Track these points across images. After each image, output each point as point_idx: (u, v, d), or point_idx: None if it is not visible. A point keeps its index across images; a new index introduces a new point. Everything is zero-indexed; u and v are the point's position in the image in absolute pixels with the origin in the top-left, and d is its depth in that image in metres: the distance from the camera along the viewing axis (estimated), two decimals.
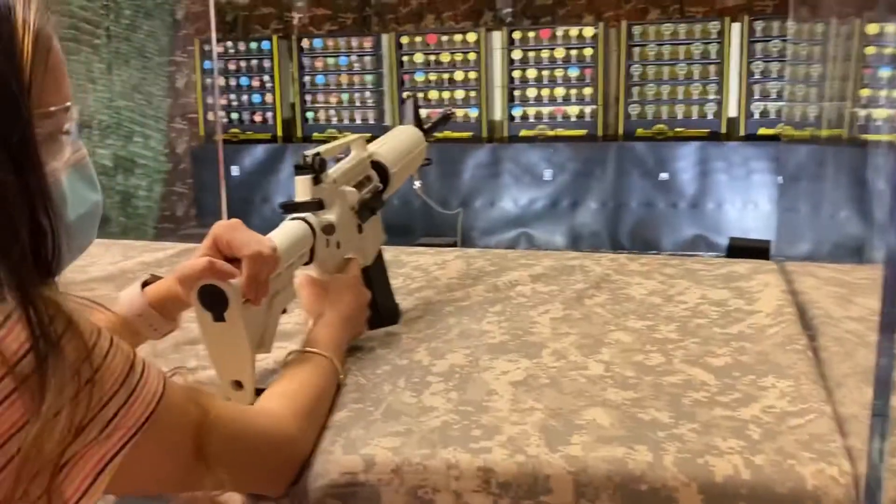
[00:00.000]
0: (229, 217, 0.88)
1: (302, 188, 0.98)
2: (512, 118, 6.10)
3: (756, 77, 5.44)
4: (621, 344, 0.98)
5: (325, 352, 0.89)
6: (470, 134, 6.13)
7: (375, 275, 1.14)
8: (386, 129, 1.32)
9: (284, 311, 0.93)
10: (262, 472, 0.74)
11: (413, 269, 1.41)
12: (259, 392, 0.85)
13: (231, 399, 0.84)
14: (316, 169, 0.98)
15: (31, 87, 0.55)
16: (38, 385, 0.51)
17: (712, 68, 5.61)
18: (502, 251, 1.54)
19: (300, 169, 0.98)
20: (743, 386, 0.83)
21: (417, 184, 1.55)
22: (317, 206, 0.98)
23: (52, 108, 0.59)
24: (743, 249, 4.14)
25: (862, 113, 4.64)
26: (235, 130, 6.39)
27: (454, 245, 5.55)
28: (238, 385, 0.84)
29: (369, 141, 1.18)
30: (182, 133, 6.54)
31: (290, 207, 0.98)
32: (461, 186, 6.05)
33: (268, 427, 0.74)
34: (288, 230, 0.94)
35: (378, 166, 1.16)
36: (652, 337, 1.00)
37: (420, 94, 6.07)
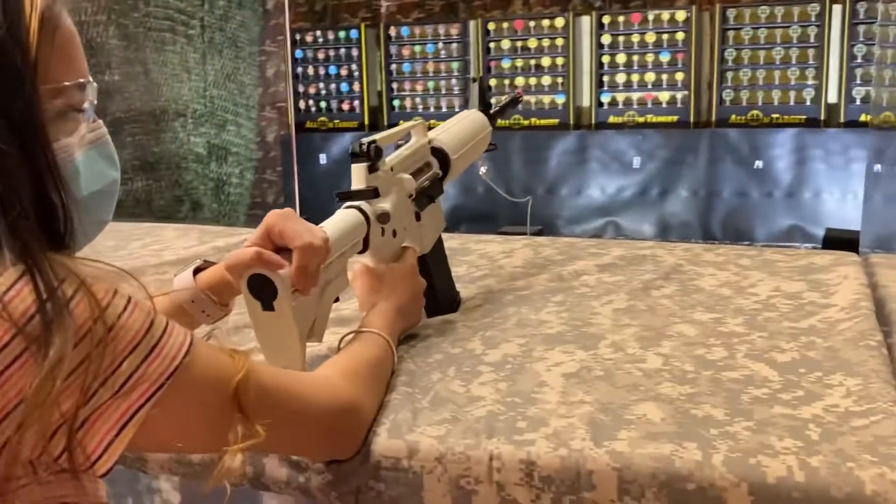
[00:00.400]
0: (303, 207, 0.89)
1: (357, 176, 0.98)
2: (601, 104, 5.99)
3: (858, 61, 5.17)
4: (684, 337, 0.94)
5: (380, 331, 0.89)
6: (556, 121, 6.05)
7: (434, 263, 1.13)
8: None
9: (337, 300, 0.93)
10: (314, 432, 0.73)
11: (479, 257, 1.40)
12: None
13: None
14: (371, 156, 0.98)
15: (38, 64, 0.57)
16: (45, 344, 0.52)
17: (811, 52, 5.36)
18: (572, 240, 1.52)
19: (356, 156, 0.98)
20: (808, 383, 0.79)
21: (483, 169, 1.54)
22: (371, 194, 0.97)
23: (64, 84, 0.61)
24: (840, 241, 3.96)
25: None
26: (323, 119, 6.50)
27: (538, 234, 5.51)
28: None
29: (431, 127, 1.17)
30: (272, 122, 6.69)
31: (345, 196, 0.98)
32: (547, 174, 5.99)
33: (314, 385, 0.74)
34: (341, 219, 0.94)
35: (438, 153, 1.15)
36: (717, 330, 0.96)
37: (506, 81, 6.04)
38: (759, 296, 1.08)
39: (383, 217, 0.98)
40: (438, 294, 1.12)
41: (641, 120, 5.86)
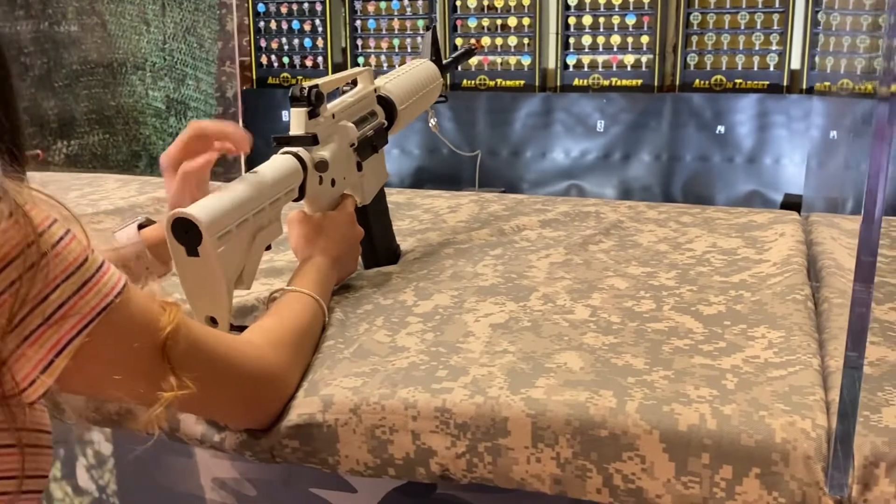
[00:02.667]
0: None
1: (296, 121, 0.96)
2: (566, 67, 5.96)
3: (821, 27, 5.19)
4: (614, 290, 0.94)
5: (311, 291, 0.87)
6: (522, 82, 6.01)
7: (375, 215, 1.11)
8: None
9: (269, 248, 0.91)
10: (234, 398, 0.72)
11: (424, 211, 1.38)
12: (236, 329, 0.85)
13: None
14: (312, 101, 0.95)
15: None
16: None
17: (776, 17, 5.37)
18: (520, 196, 1.51)
19: (295, 101, 0.95)
20: (731, 335, 0.79)
21: (433, 122, 1.52)
22: (310, 140, 0.95)
23: None
24: (796, 206, 4.01)
25: None
26: (286, 75, 6.38)
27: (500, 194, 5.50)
28: (212, 321, 0.83)
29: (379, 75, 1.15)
30: (232, 77, 6.57)
31: (282, 141, 0.95)
32: (512, 136, 5.96)
33: (241, 350, 0.72)
34: (276, 164, 0.92)
35: (385, 102, 1.13)
36: (648, 283, 0.96)
37: (472, 40, 5.98)
38: (695, 251, 1.08)
39: (321, 165, 0.96)
40: (377, 246, 1.10)
41: (606, 83, 5.83)
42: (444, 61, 1.32)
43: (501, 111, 5.88)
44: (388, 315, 0.89)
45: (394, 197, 1.47)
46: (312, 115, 0.96)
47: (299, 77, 6.37)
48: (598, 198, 5.49)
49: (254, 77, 6.54)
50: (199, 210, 0.79)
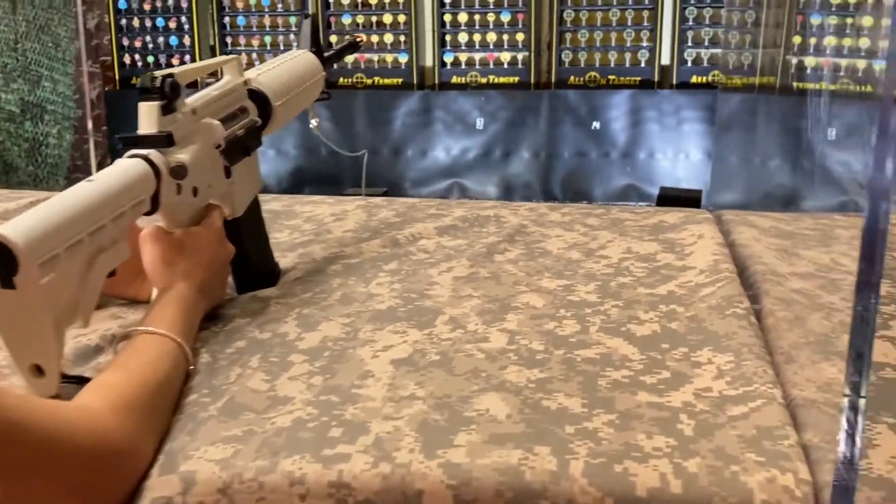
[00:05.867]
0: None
1: (147, 118, 0.78)
2: (443, 64, 5.89)
3: (689, 24, 5.32)
4: (531, 309, 0.82)
5: (170, 332, 0.70)
6: (400, 80, 5.90)
7: (248, 228, 0.95)
8: None
9: (112, 274, 0.73)
10: (62, 489, 0.54)
11: (305, 220, 1.22)
12: (74, 380, 0.67)
13: (30, 389, 0.65)
14: (167, 94, 0.78)
15: None
16: None
17: (646, 14, 5.47)
18: (411, 200, 1.37)
19: (146, 93, 0.78)
20: (673, 362, 0.68)
21: (314, 122, 1.36)
22: (164, 141, 0.78)
23: None
24: (673, 199, 4.06)
25: (794, 61, 4.57)
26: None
27: (383, 195, 5.36)
28: (38, 371, 0.65)
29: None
30: (94, 77, 6.14)
31: (129, 141, 0.78)
32: (392, 134, 5.86)
33: (72, 422, 0.55)
34: (119, 170, 0.74)
35: (258, 97, 0.96)
36: (567, 300, 0.84)
37: (347, 38, 5.81)
38: (611, 259, 0.97)
39: (179, 171, 0.79)
40: (252, 266, 0.94)
41: (484, 80, 5.80)
42: (327, 54, 1.16)
43: (380, 109, 5.76)
44: (266, 353, 0.73)
45: (269, 205, 1.30)
46: (167, 110, 0.79)
47: None
48: (482, 197, 5.45)
49: (116, 77, 6.14)
50: (15, 230, 0.61)
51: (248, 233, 0.94)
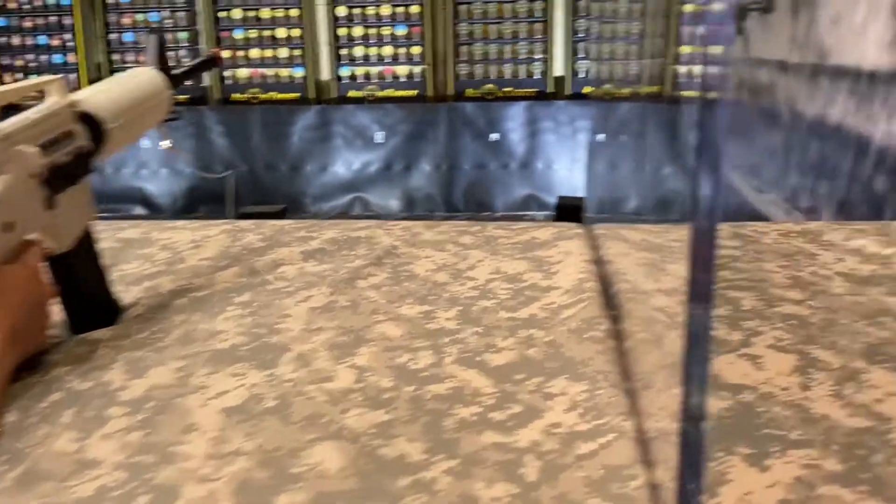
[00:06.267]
0: None
1: None
2: (340, 78, 5.83)
3: (581, 35, 5.42)
4: (386, 340, 0.76)
5: None
6: (297, 95, 5.80)
7: (79, 262, 0.86)
8: None
9: None
10: None
11: (161, 248, 1.14)
12: None
13: None
14: None
15: None
16: None
17: (538, 27, 5.54)
18: (282, 223, 1.30)
19: None
20: (526, 394, 0.64)
21: (166, 143, 1.27)
22: None
23: None
24: (570, 208, 4.10)
25: (681, 70, 4.70)
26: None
27: (282, 213, 5.23)
28: None
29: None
30: None
31: None
32: (290, 150, 5.75)
33: None
34: None
35: (88, 119, 0.88)
36: (425, 328, 0.79)
37: (241, 53, 5.66)
38: (478, 280, 0.93)
39: None
40: (86, 303, 0.86)
41: (382, 94, 5.76)
42: (176, 72, 1.08)
43: (277, 125, 5.66)
44: (82, 407, 0.65)
45: (125, 232, 1.21)
46: None
47: None
48: (384, 210, 5.39)
49: None
50: None
51: (79, 268, 0.85)
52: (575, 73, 5.48)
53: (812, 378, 0.65)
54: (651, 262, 0.96)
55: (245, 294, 0.92)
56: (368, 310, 0.85)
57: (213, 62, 1.24)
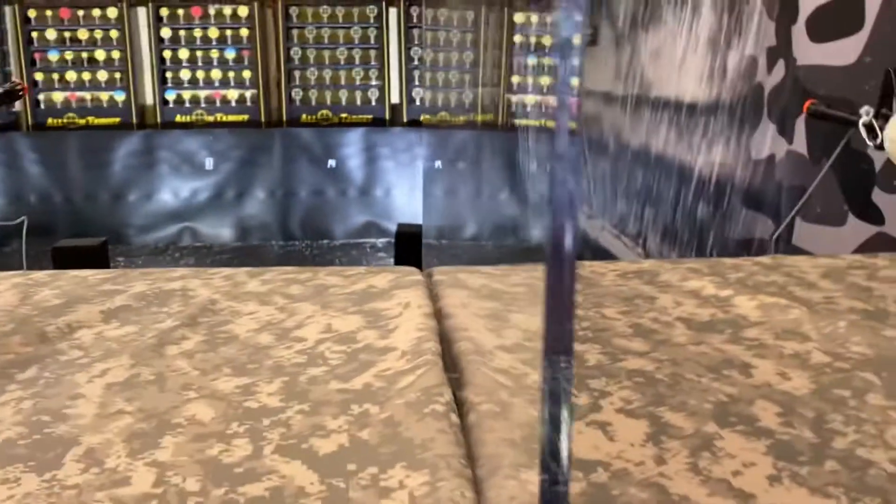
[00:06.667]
0: None
1: None
2: (166, 102, 5.54)
3: (415, 63, 5.42)
4: (196, 425, 0.66)
5: None
6: (118, 120, 5.45)
7: None
8: None
9: None
10: None
11: None
12: None
13: None
14: None
15: None
16: None
17: (373, 53, 5.50)
18: (84, 273, 1.15)
19: None
20: (358, 491, 0.55)
21: None
22: None
23: None
24: (409, 235, 4.06)
25: (514, 99, 4.80)
26: None
27: (103, 245, 4.87)
28: None
29: None
30: None
31: None
32: (111, 178, 5.38)
33: None
34: None
35: None
36: (244, 407, 0.69)
37: (56, 76, 5.26)
38: (306, 342, 0.84)
39: None
40: None
41: (211, 119, 5.51)
42: None
43: (97, 151, 5.28)
44: None
45: None
46: None
47: None
48: (216, 240, 5.14)
49: None
50: None
51: None
52: (412, 100, 5.48)
53: (666, 448, 0.60)
54: (492, 313, 0.90)
55: (30, 369, 0.78)
56: (177, 385, 0.74)
57: (15, 94, 1.11)
